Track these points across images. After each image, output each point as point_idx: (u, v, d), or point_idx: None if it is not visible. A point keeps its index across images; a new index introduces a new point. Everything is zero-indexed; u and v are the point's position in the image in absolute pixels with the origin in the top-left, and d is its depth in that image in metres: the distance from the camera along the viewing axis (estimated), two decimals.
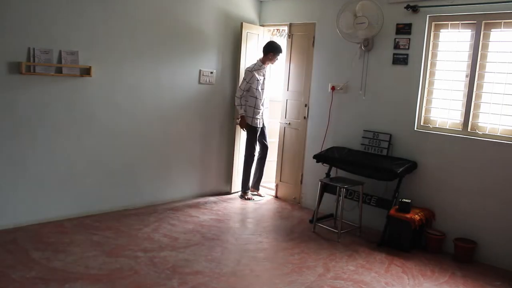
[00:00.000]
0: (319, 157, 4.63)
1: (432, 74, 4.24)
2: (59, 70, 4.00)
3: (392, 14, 4.29)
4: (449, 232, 4.07)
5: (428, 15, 4.13)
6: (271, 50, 5.14)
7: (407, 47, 4.26)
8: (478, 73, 3.92)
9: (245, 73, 5.17)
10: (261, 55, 5.27)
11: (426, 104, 4.27)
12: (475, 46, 3.91)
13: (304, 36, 5.16)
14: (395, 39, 4.34)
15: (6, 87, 3.72)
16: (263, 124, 5.31)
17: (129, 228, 4.10)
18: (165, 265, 3.40)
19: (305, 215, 4.90)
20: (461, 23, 4.00)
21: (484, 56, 3.91)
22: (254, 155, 5.36)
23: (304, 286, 3.23)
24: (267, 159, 5.47)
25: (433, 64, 4.22)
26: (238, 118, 5.35)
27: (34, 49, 3.81)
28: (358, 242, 4.19)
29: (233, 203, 5.21)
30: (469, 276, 3.59)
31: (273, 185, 5.65)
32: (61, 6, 3.92)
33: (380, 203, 4.31)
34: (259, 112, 5.18)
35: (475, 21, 3.89)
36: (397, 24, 4.31)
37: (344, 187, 4.20)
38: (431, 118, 4.27)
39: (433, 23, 4.15)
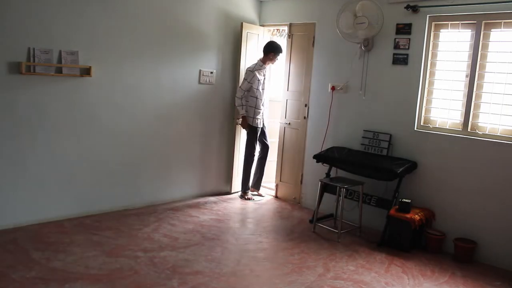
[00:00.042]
0: (319, 157, 4.63)
1: (432, 74, 4.24)
2: (59, 70, 4.00)
3: (392, 14, 4.30)
4: (449, 232, 4.07)
5: (428, 15, 4.13)
6: (272, 50, 5.14)
7: (407, 47, 4.26)
8: (478, 73, 3.92)
9: (246, 73, 5.16)
10: (261, 55, 5.27)
11: (426, 104, 4.27)
12: (475, 46, 3.91)
13: (304, 36, 5.16)
14: (395, 39, 4.34)
15: (6, 87, 3.72)
16: (263, 124, 5.32)
17: (129, 228, 4.10)
18: (165, 265, 3.40)
19: (305, 215, 4.90)
20: (461, 23, 4.00)
21: (484, 56, 3.91)
22: (254, 155, 5.36)
23: (304, 286, 3.23)
24: (267, 159, 5.47)
25: (433, 64, 4.22)
26: (238, 118, 5.35)
27: (34, 49, 3.81)
28: (358, 242, 4.19)
29: (233, 203, 5.21)
30: (469, 276, 3.59)
31: (273, 185, 5.65)
32: (61, 6, 3.93)
33: (380, 203, 4.31)
34: (259, 112, 5.18)
35: (475, 21, 3.89)
36: (397, 24, 4.31)
37: (344, 187, 4.20)
38: (431, 118, 4.27)
39: (433, 23, 4.15)
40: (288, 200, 5.41)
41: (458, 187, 4.03)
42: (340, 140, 4.84)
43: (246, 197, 5.38)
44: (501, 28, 3.81)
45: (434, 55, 4.21)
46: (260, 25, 5.61)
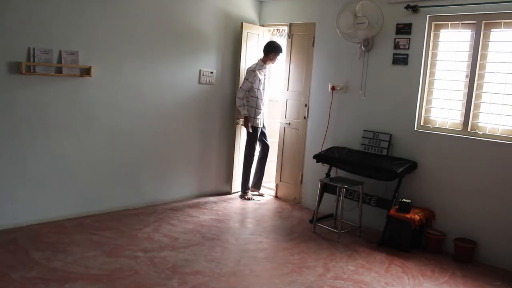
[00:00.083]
0: (319, 157, 4.63)
1: (432, 74, 4.24)
2: (59, 70, 4.00)
3: (392, 14, 4.29)
4: (449, 232, 4.07)
5: (428, 15, 4.13)
6: (272, 50, 5.14)
7: (407, 47, 4.26)
8: (478, 73, 3.92)
9: (247, 72, 5.16)
10: (261, 55, 5.27)
11: (426, 104, 4.27)
12: (475, 46, 3.91)
13: (304, 36, 5.16)
14: (395, 39, 4.34)
15: (6, 87, 3.72)
16: (263, 124, 5.32)
17: (129, 228, 4.10)
18: (165, 265, 3.40)
19: (305, 215, 4.90)
20: (461, 23, 4.00)
21: (484, 56, 3.91)
22: (254, 155, 5.36)
23: (304, 286, 3.23)
24: (268, 159, 5.47)
25: (433, 64, 4.22)
26: (238, 118, 5.35)
27: (34, 49, 3.81)
28: (358, 242, 4.19)
29: (233, 203, 5.21)
30: (469, 276, 3.59)
31: (273, 185, 5.65)
32: (61, 6, 3.93)
33: (380, 203, 4.31)
34: (260, 112, 5.18)
35: (475, 21, 3.89)
36: (397, 24, 4.31)
37: (344, 187, 4.20)
38: (431, 118, 4.27)
39: (433, 23, 4.15)
40: (288, 200, 5.41)
41: (458, 187, 4.03)
42: (340, 140, 4.84)
43: (246, 197, 5.38)
44: (501, 28, 3.81)
45: (434, 55, 4.21)
46: (260, 25, 5.61)
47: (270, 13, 5.53)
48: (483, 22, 3.86)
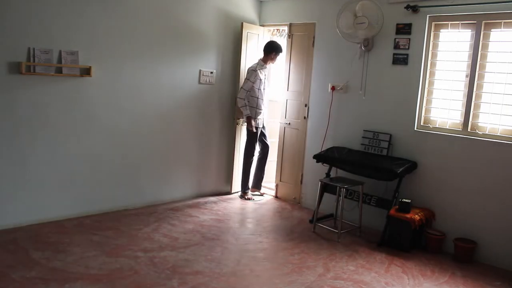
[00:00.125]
0: (319, 157, 4.63)
1: (432, 74, 4.24)
2: (59, 70, 4.00)
3: (392, 14, 4.29)
4: (449, 232, 4.07)
5: (428, 15, 4.13)
6: (273, 50, 5.14)
7: (407, 47, 4.26)
8: (478, 73, 3.92)
9: (248, 72, 5.14)
10: (261, 55, 5.27)
11: (426, 104, 4.27)
12: (475, 46, 3.91)
13: (304, 36, 5.16)
14: (395, 39, 4.34)
15: (6, 87, 3.72)
16: (263, 124, 5.31)
17: (129, 228, 4.10)
18: (165, 265, 3.40)
19: (305, 215, 4.90)
20: (461, 23, 4.00)
21: (484, 56, 3.91)
22: (254, 155, 5.36)
23: (304, 286, 3.23)
24: (268, 159, 5.47)
25: (433, 64, 4.22)
26: (239, 119, 5.36)
27: (34, 49, 3.81)
28: (358, 242, 4.19)
29: (233, 203, 5.21)
30: (469, 276, 3.59)
31: (273, 185, 5.65)
32: (61, 6, 3.92)
33: (380, 203, 4.31)
34: (260, 112, 5.18)
35: (475, 21, 3.89)
36: (397, 24, 4.31)
37: (344, 187, 4.20)
38: (431, 118, 4.27)
39: (433, 23, 4.15)
40: (288, 200, 5.41)
41: (458, 187, 4.03)
42: (340, 140, 4.84)
43: (246, 197, 5.38)
44: (501, 28, 3.81)
45: (434, 55, 4.21)
46: (260, 25, 5.61)
47: (270, 13, 5.53)
48: (483, 22, 3.86)
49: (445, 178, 4.10)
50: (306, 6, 5.13)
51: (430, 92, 4.25)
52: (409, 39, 4.24)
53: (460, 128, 4.06)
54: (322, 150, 4.83)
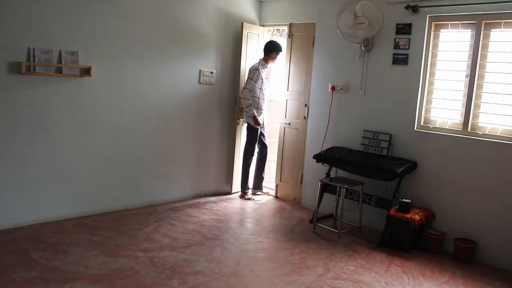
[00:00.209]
0: (319, 157, 4.63)
1: (432, 74, 4.24)
2: (59, 70, 4.00)
3: (392, 14, 4.29)
4: (449, 232, 4.07)
5: (428, 15, 4.13)
6: (274, 49, 5.14)
7: (407, 47, 4.26)
8: (478, 73, 3.92)
9: (250, 72, 5.13)
10: (261, 55, 5.27)
11: (426, 104, 4.27)
12: (475, 46, 3.91)
13: (304, 36, 5.16)
14: (395, 39, 4.34)
15: (6, 87, 3.72)
16: (263, 124, 5.31)
17: (129, 228, 4.10)
18: (165, 265, 3.40)
19: (305, 215, 4.90)
20: (461, 23, 4.00)
21: (484, 56, 3.91)
22: (253, 155, 5.36)
23: (304, 286, 3.23)
24: (267, 158, 5.47)
25: (433, 64, 4.22)
26: (239, 119, 5.36)
27: (34, 49, 3.81)
28: (358, 242, 4.19)
29: (233, 203, 5.21)
30: (469, 276, 3.59)
31: (273, 185, 5.65)
32: (61, 6, 3.92)
33: (380, 203, 4.31)
34: (261, 112, 5.18)
35: (475, 21, 3.89)
36: (397, 24, 4.31)
37: (344, 187, 4.20)
38: (431, 118, 4.27)
39: (433, 23, 4.15)
40: (288, 200, 5.41)
41: (458, 187, 4.03)
42: (340, 140, 4.84)
43: (246, 197, 5.38)
44: (501, 28, 3.81)
45: (434, 55, 4.21)
46: (260, 25, 5.61)
47: (270, 13, 5.53)
48: (483, 22, 3.86)
49: (445, 178, 4.10)
50: (306, 6, 5.13)
51: (430, 92, 4.25)
52: (409, 39, 4.24)
53: (460, 128, 4.06)
54: (322, 150, 4.83)
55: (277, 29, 5.81)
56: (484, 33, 3.88)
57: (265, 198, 5.47)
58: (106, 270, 3.24)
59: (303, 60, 5.17)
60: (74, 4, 4.00)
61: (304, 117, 5.17)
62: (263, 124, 5.31)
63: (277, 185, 5.58)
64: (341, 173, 4.71)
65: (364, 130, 4.61)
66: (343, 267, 3.60)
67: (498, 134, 3.85)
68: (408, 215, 3.95)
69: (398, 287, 3.32)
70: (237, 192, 5.56)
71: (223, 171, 5.53)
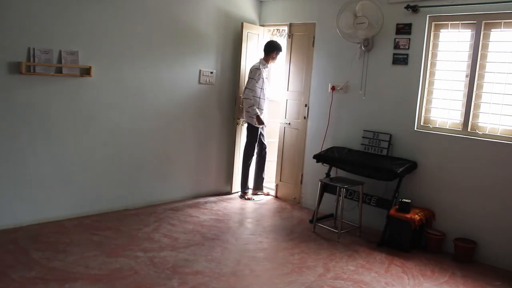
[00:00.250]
0: (319, 157, 4.63)
1: (432, 74, 4.24)
2: (59, 70, 4.00)
3: (392, 14, 4.29)
4: (449, 232, 4.07)
5: (428, 15, 4.13)
6: (274, 49, 5.15)
7: (407, 47, 4.26)
8: (478, 73, 3.92)
9: (252, 71, 5.12)
10: (261, 55, 5.27)
11: (426, 104, 4.27)
12: (475, 46, 3.91)
13: (304, 36, 5.16)
14: (395, 39, 4.34)
15: (6, 87, 3.72)
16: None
17: (129, 228, 4.10)
18: (165, 265, 3.40)
19: (305, 215, 4.90)
20: (461, 23, 4.00)
21: (484, 56, 3.91)
22: (253, 155, 5.36)
23: (304, 286, 3.23)
24: (266, 158, 5.47)
25: (433, 64, 4.22)
26: (239, 119, 5.36)
27: (34, 49, 3.81)
28: (358, 242, 4.19)
29: (233, 203, 5.21)
30: (469, 276, 3.59)
31: (273, 185, 5.65)
32: (61, 6, 3.92)
33: (380, 203, 4.31)
34: (262, 112, 5.18)
35: (475, 21, 3.89)
36: (397, 24, 4.31)
37: (344, 187, 4.20)
38: (431, 118, 4.27)
39: (433, 23, 4.15)
40: (288, 200, 5.41)
41: (458, 187, 4.03)
42: (340, 140, 4.84)
43: (246, 197, 5.38)
44: (501, 28, 3.81)
45: (434, 55, 4.21)
46: (260, 25, 5.61)
47: (270, 13, 5.53)
48: (483, 22, 3.86)
49: (445, 178, 4.10)
50: (306, 6, 5.13)
51: (430, 92, 4.25)
52: (409, 39, 4.24)
53: (460, 128, 4.06)
54: (322, 150, 4.83)
55: (277, 29, 5.81)
56: (484, 33, 3.88)
57: (265, 198, 5.47)
58: (106, 270, 3.24)
59: (303, 60, 5.17)
60: (74, 4, 4.00)
61: (304, 117, 5.17)
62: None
63: (277, 185, 5.58)
64: (341, 173, 4.71)
65: (364, 130, 4.61)
66: (343, 267, 3.60)
67: (498, 134, 3.85)
68: (408, 215, 3.95)
69: (398, 287, 3.32)
70: (237, 192, 5.56)
71: (223, 171, 5.53)
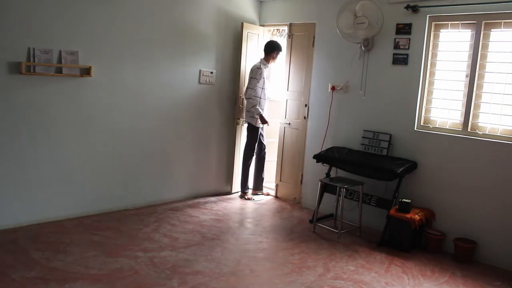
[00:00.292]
0: (319, 157, 4.63)
1: (432, 74, 4.24)
2: (59, 70, 4.00)
3: (392, 14, 4.29)
4: (449, 232, 4.07)
5: (428, 15, 4.13)
6: (274, 49, 5.15)
7: (407, 47, 4.26)
8: (478, 73, 3.92)
9: (253, 71, 5.12)
10: (262, 55, 5.27)
11: (426, 104, 4.27)
12: (475, 46, 3.91)
13: (304, 36, 5.16)
14: (395, 39, 4.34)
15: (6, 87, 3.72)
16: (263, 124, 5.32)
17: (129, 228, 4.10)
18: (165, 265, 3.40)
19: (305, 215, 4.90)
20: (461, 23, 4.00)
21: (484, 56, 3.91)
22: (253, 155, 5.36)
23: (304, 286, 3.23)
24: (266, 158, 5.47)
25: (433, 64, 4.22)
26: (239, 119, 5.36)
27: (34, 49, 3.81)
28: (358, 242, 4.19)
29: (233, 203, 5.21)
30: (469, 276, 3.59)
31: (273, 185, 5.65)
32: (61, 6, 3.93)
33: (380, 203, 4.31)
34: (262, 112, 5.17)
35: (475, 21, 3.89)
36: (397, 24, 4.31)
37: (344, 187, 4.20)
38: (431, 118, 4.27)
39: (433, 23, 4.15)
40: (288, 200, 5.41)
41: (458, 187, 4.03)
42: (340, 140, 4.84)
43: (246, 197, 5.38)
44: (501, 28, 3.81)
45: (434, 55, 4.21)
46: (260, 25, 5.61)
47: (270, 13, 5.53)
48: (483, 22, 3.86)
49: (445, 178, 4.10)
50: (306, 6, 5.13)
51: (430, 92, 4.25)
52: (409, 39, 4.24)
53: (460, 128, 4.06)
54: (322, 150, 4.83)
55: (277, 29, 5.81)
56: (484, 33, 3.88)
57: (265, 198, 5.47)
58: (106, 270, 3.24)
59: (303, 60, 5.17)
60: (74, 4, 4.00)
61: (304, 117, 5.17)
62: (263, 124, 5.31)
63: (277, 185, 5.58)
64: (341, 173, 4.71)
65: (364, 130, 4.61)
66: (343, 267, 3.60)
67: (498, 134, 3.85)
68: (408, 215, 3.95)
69: (398, 287, 3.32)
70: (237, 192, 5.56)
71: (223, 171, 5.53)
